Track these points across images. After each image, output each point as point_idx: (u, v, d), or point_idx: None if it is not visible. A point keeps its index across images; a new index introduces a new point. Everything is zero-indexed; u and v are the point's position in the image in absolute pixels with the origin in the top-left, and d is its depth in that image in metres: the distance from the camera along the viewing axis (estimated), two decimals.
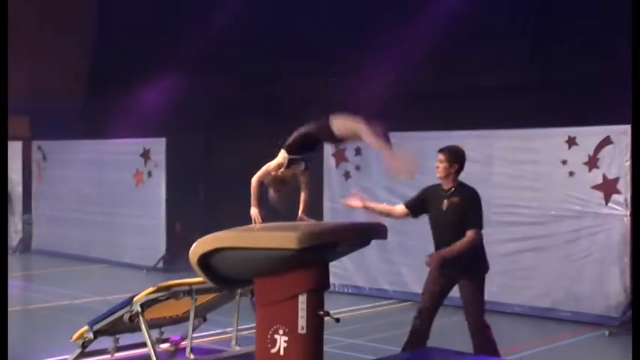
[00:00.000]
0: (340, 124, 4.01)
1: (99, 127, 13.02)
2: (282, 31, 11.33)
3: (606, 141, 6.73)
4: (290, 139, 4.11)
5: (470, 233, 4.52)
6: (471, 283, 4.60)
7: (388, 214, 4.85)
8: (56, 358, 5.75)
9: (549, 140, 7.20)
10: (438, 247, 4.79)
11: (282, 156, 4.05)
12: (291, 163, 4.09)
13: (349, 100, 9.52)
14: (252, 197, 4.11)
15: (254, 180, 4.04)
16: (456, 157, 4.72)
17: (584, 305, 6.87)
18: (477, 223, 4.57)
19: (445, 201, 4.68)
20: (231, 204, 8.80)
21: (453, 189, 4.68)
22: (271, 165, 4.06)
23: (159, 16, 13.39)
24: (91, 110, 14.49)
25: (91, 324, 5.08)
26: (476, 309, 4.62)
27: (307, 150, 4.17)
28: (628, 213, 6.58)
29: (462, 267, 4.59)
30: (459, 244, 4.54)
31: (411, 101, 9.31)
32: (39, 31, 14.32)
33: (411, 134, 7.92)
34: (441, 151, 4.79)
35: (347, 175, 8.58)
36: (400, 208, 4.88)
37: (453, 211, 4.60)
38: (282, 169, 4.05)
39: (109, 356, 5.35)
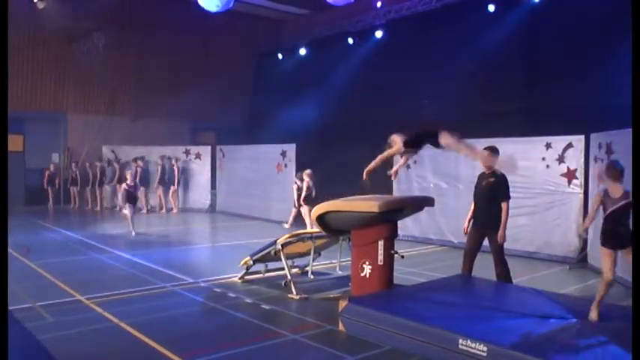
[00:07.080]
0: (445, 139, 4.49)
1: (255, 138, 15.22)
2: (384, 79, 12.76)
3: (569, 145, 8.02)
4: (410, 137, 4.59)
5: (504, 204, 5.17)
6: (495, 234, 5.18)
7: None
8: (231, 274, 6.48)
9: (535, 145, 8.36)
10: (477, 209, 5.33)
11: (398, 147, 4.55)
12: (404, 153, 4.78)
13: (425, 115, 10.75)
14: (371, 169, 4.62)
15: (375, 165, 4.59)
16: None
17: (554, 250, 8.08)
18: (506, 196, 5.22)
19: (485, 181, 5.36)
20: (335, 184, 10.45)
21: (490, 173, 5.36)
22: (392, 152, 4.60)
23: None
24: (251, 126, 16.70)
25: (252, 255, 5.97)
26: (499, 250, 5.29)
27: (417, 146, 4.77)
28: (582, 191, 7.82)
29: (490, 225, 5.25)
30: (504, 216, 5.07)
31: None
32: (220, 75, 15.88)
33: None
34: (483, 149, 5.40)
35: (408, 166, 9.82)
36: None
37: (490, 188, 5.29)
38: (398, 154, 4.63)
39: (261, 275, 6.26)
